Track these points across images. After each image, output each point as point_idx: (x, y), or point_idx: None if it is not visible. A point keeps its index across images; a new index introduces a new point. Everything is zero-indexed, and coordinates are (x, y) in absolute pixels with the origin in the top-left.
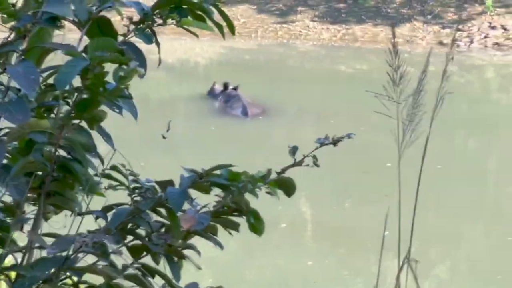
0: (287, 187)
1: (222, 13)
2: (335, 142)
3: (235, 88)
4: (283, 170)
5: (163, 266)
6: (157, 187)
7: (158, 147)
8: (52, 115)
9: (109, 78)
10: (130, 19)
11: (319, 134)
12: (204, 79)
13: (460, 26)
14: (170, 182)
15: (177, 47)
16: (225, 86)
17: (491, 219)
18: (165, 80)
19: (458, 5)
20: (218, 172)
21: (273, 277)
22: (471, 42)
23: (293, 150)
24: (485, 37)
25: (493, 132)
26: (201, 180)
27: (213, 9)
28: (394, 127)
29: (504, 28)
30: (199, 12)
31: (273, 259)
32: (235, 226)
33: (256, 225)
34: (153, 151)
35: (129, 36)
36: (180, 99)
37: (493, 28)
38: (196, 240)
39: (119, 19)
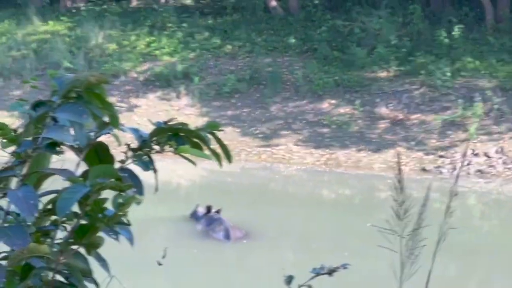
0: None
1: (219, 141)
2: (330, 272)
3: (217, 211)
4: None
5: None
6: None
7: (140, 270)
8: (48, 240)
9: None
10: (128, 145)
11: (301, 259)
12: (186, 201)
13: (443, 153)
14: None
15: (158, 168)
16: (208, 209)
17: None
18: (147, 202)
19: (442, 131)
20: None
21: None
22: (454, 169)
23: (289, 280)
24: (468, 164)
25: (472, 258)
26: None
27: (210, 136)
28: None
29: (486, 155)
30: (195, 140)
31: None
32: None
33: None
34: (134, 275)
35: (128, 163)
36: (161, 221)
37: (476, 155)
38: None
39: (115, 144)
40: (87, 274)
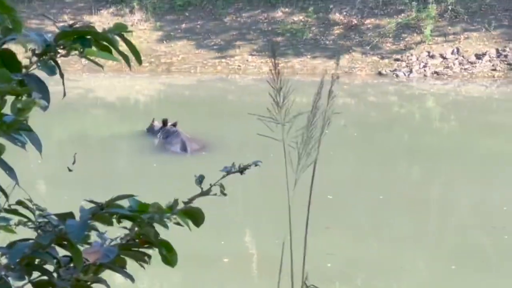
0: (196, 217)
1: (127, 43)
2: (241, 170)
3: (174, 124)
4: (190, 200)
5: None
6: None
7: (98, 185)
8: None
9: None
10: (33, 51)
11: (260, 168)
12: (144, 116)
13: (398, 56)
14: (70, 215)
15: (116, 84)
16: (164, 122)
17: (434, 248)
18: (105, 118)
19: (397, 34)
20: (125, 203)
21: None
22: (410, 71)
23: (200, 179)
24: (424, 66)
25: (434, 161)
26: (102, 212)
27: (118, 39)
28: (331, 159)
29: (442, 56)
30: (103, 42)
31: None
32: (145, 259)
33: (168, 257)
34: (94, 189)
35: (32, 68)
36: (120, 137)
37: (432, 57)
38: (137, 273)
39: (23, 52)
40: None
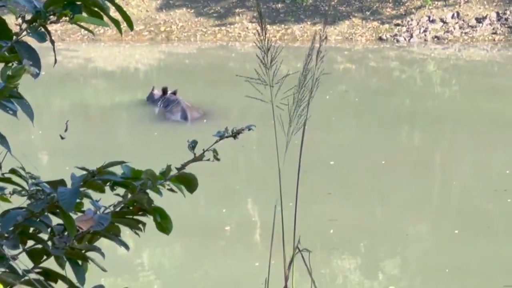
0: (189, 183)
1: (118, 8)
2: (234, 135)
3: (174, 93)
4: (183, 166)
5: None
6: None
7: (99, 154)
8: None
9: None
10: (22, 17)
11: (262, 134)
12: (144, 85)
13: (399, 21)
14: (61, 182)
15: (116, 54)
16: (164, 91)
17: (437, 213)
18: (105, 87)
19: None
20: (118, 170)
21: (221, 280)
22: (411, 36)
23: (192, 145)
24: (425, 31)
25: (436, 126)
26: (94, 179)
27: (109, 4)
28: (333, 125)
29: (443, 21)
30: (94, 9)
31: (220, 262)
32: (139, 226)
33: (163, 224)
34: (94, 158)
35: (22, 35)
36: (120, 106)
37: (432, 21)
38: (140, 243)
39: (14, 20)
40: None
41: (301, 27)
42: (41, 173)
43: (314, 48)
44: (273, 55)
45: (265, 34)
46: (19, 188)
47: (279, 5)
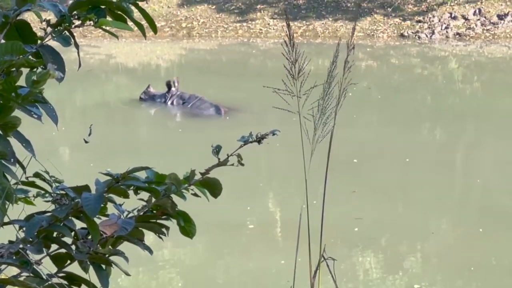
0: (213, 187)
1: (142, 12)
2: (259, 140)
3: (174, 82)
4: (207, 171)
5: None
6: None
7: (122, 151)
8: None
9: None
10: (47, 21)
11: (286, 130)
12: (166, 81)
13: (420, 18)
14: (86, 188)
15: (137, 50)
16: (169, 85)
17: (462, 210)
18: (127, 84)
19: None
20: (142, 174)
21: (245, 278)
22: (433, 33)
23: (217, 150)
24: (446, 27)
25: (458, 123)
26: (118, 184)
27: (133, 8)
28: (356, 122)
29: (464, 18)
30: (118, 12)
31: (244, 260)
32: (163, 230)
33: (187, 228)
34: (117, 155)
35: (47, 39)
36: (139, 104)
37: (454, 18)
38: (157, 244)
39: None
40: (7, 156)
41: (323, 23)
42: (64, 170)
43: (338, 55)
44: (300, 65)
45: (293, 45)
46: (43, 192)
47: (301, 1)
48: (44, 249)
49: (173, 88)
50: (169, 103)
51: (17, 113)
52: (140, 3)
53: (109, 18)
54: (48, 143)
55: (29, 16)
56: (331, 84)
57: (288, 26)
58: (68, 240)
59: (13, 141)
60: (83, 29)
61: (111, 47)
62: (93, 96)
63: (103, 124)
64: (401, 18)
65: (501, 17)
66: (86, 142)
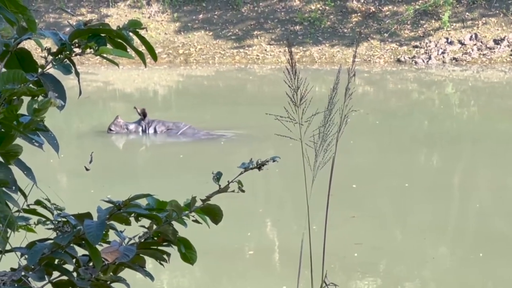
0: (214, 214)
1: (142, 40)
2: (259, 166)
3: (144, 113)
4: (208, 198)
5: None
6: None
7: (119, 177)
8: None
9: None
10: (48, 50)
11: (281, 154)
12: (163, 108)
13: (417, 43)
14: (87, 215)
15: (135, 77)
16: (144, 113)
17: (461, 236)
18: (124, 110)
19: (415, 21)
20: (143, 201)
21: None
22: (429, 58)
23: (218, 176)
24: (443, 52)
25: (455, 148)
26: (119, 211)
27: (133, 36)
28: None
29: (461, 43)
30: (118, 40)
31: (244, 286)
32: (164, 257)
33: (188, 254)
34: (115, 181)
35: (48, 68)
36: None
37: (450, 43)
38: (157, 269)
39: (39, 51)
40: (8, 184)
41: (320, 49)
42: (64, 196)
43: (339, 82)
44: (302, 93)
45: (295, 73)
46: (44, 219)
47: (297, 27)
48: (46, 276)
49: (148, 116)
50: (150, 131)
51: (17, 140)
52: (139, 31)
53: (109, 46)
54: (45, 170)
55: (27, 44)
56: (332, 111)
57: (290, 53)
58: (69, 267)
59: (13, 168)
60: (80, 56)
61: (108, 74)
62: (91, 123)
63: (101, 150)
64: (397, 44)
65: (497, 41)
66: (87, 169)
